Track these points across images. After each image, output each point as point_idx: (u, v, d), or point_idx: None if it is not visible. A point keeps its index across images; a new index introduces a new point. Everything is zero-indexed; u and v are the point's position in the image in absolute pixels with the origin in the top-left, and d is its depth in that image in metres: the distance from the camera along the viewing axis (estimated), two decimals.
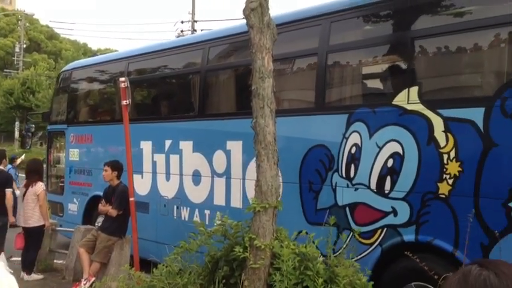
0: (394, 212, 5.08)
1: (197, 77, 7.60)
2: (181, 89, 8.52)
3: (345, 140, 5.47)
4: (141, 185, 8.01)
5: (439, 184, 4.70)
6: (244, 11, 4.92)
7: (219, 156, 6.99)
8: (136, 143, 7.97)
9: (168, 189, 7.89)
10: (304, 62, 6.18)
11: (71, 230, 8.35)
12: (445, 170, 4.65)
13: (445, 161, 4.65)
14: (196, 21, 33.85)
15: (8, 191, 7.86)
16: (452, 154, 4.61)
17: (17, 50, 49.08)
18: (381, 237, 5.17)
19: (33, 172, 7.81)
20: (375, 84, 5.83)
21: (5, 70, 48.99)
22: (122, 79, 6.60)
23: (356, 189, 5.42)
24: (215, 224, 5.27)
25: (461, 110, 4.58)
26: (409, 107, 4.92)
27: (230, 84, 7.55)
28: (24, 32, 51.92)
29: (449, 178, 4.62)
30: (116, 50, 67.83)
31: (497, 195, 4.35)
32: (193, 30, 33.08)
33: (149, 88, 9.02)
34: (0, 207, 7.73)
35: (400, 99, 5.00)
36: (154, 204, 7.99)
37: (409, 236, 4.96)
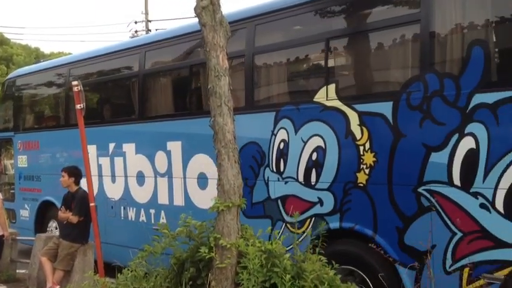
0: (321, 202, 5.44)
1: (136, 80, 7.80)
2: (122, 93, 8.71)
3: (273, 137, 5.83)
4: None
5: (357, 174, 5.07)
6: (195, 9, 4.88)
7: (160, 157, 7.23)
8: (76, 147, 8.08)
9: (114, 191, 8.10)
10: (234, 63, 6.37)
11: (31, 238, 8.21)
12: (362, 160, 5.02)
13: (362, 153, 5.02)
14: (150, 21, 33.24)
15: None
16: (367, 146, 4.98)
17: None
18: (310, 226, 5.51)
19: None
20: (298, 83, 6.20)
21: None
22: (75, 83, 6.40)
23: (286, 182, 5.75)
24: (160, 223, 5.40)
25: (373, 105, 4.97)
26: (328, 104, 5.29)
27: (167, 87, 7.78)
28: None
29: (366, 168, 5.00)
30: (69, 53, 66.48)
31: (407, 181, 4.75)
32: (148, 30, 32.32)
33: (92, 93, 9.12)
34: None
35: (320, 97, 5.37)
36: (102, 206, 8.14)
37: (334, 224, 5.31)
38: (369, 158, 4.96)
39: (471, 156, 4.34)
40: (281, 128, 5.73)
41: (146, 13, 32.73)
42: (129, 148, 7.72)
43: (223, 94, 4.77)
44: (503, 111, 4.17)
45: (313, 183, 5.46)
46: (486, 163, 4.26)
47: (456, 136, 4.42)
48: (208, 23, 4.81)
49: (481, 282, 4.28)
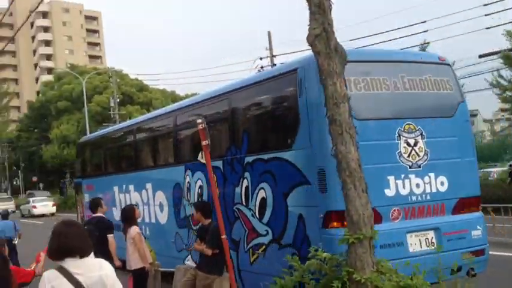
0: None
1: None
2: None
3: (187, 180, 9.04)
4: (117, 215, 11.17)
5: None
6: (308, 38, 4.82)
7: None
8: (110, 188, 12.34)
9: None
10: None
11: (172, 269, 8.34)
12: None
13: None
14: (274, 56, 34.02)
15: (110, 236, 8.04)
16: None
17: (111, 104, 51.74)
18: None
19: (127, 218, 8.01)
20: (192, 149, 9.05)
21: (103, 124, 52.97)
22: (199, 121, 6.45)
23: (191, 205, 8.79)
24: (288, 256, 5.55)
25: (214, 162, 7.31)
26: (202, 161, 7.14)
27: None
28: (117, 87, 54.95)
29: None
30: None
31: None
32: (273, 65, 32.33)
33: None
34: (106, 252, 7.48)
35: (200, 157, 7.14)
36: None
37: None
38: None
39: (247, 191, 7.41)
40: (187, 175, 8.97)
41: (270, 49, 33.96)
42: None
43: (343, 121, 4.67)
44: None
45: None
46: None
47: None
48: (323, 50, 4.74)
49: (256, 255, 7.24)
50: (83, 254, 3.01)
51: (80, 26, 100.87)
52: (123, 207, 9.54)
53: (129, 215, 8.03)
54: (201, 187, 8.54)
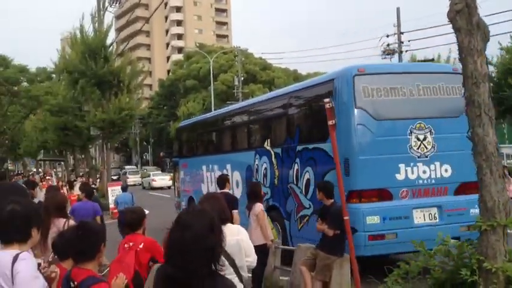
0: None
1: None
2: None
3: (256, 163, 10.96)
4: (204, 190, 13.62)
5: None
6: (448, 14, 4.65)
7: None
8: (200, 167, 14.42)
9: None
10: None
11: (292, 248, 8.39)
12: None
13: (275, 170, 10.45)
14: (402, 33, 32.50)
15: (235, 212, 7.92)
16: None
17: (235, 83, 53.35)
18: None
19: (253, 194, 8.04)
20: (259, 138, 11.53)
21: (227, 102, 54.65)
22: (327, 100, 6.50)
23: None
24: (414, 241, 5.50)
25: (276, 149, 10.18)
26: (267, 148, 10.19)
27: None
28: (241, 66, 56.37)
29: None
30: (324, 73, 70.91)
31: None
32: (400, 43, 32.24)
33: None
34: None
35: (266, 144, 10.51)
36: None
37: None
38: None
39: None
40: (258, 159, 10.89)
41: (398, 25, 32.39)
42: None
43: (482, 102, 4.48)
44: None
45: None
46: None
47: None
48: (464, 27, 4.53)
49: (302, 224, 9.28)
50: (225, 222, 3.53)
51: (209, 6, 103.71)
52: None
53: (256, 192, 8.07)
54: (265, 169, 10.51)
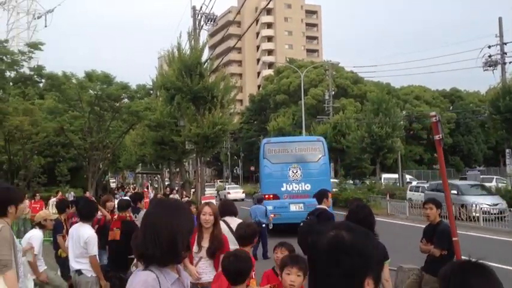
0: None
1: None
2: None
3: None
4: None
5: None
6: None
7: None
8: None
9: None
10: None
11: (393, 269, 7.58)
12: None
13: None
14: (505, 44, 31.21)
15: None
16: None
17: (326, 97, 53.37)
18: None
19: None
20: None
21: (317, 117, 53.87)
22: (433, 113, 6.04)
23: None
24: None
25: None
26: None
27: None
28: (332, 80, 56.24)
29: None
30: (419, 86, 69.12)
31: None
32: (503, 54, 30.94)
33: None
34: None
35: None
36: None
37: None
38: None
39: None
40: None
41: (501, 35, 31.26)
42: None
43: None
44: None
45: None
46: None
47: None
48: None
49: None
50: None
51: (300, 21, 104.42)
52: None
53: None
54: None
